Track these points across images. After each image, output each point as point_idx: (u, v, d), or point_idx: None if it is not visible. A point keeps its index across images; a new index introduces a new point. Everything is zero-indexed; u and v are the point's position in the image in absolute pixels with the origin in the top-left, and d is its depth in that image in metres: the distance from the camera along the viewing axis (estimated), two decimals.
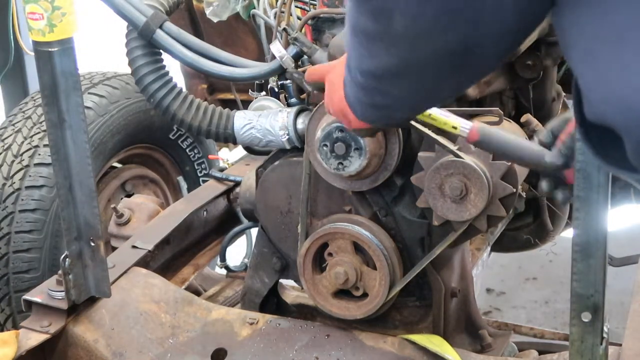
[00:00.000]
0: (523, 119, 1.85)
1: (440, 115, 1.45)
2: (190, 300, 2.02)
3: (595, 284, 1.44)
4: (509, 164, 1.62)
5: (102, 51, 5.01)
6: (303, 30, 1.88)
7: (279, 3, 1.99)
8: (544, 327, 2.69)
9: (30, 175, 2.62)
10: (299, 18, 1.99)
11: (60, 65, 1.78)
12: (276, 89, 2.02)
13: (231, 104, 2.66)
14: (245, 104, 2.27)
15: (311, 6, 2.02)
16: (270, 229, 1.95)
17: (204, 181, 3.02)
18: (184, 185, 3.17)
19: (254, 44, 2.86)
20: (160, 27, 1.95)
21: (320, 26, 1.85)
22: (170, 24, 1.98)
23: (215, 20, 2.47)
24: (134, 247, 2.25)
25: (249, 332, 1.90)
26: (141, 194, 2.92)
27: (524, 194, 1.75)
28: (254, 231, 2.10)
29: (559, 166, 1.33)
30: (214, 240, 2.63)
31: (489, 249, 2.36)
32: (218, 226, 2.63)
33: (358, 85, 1.08)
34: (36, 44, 1.77)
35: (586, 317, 1.46)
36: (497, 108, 1.77)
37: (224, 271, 2.54)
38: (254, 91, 2.14)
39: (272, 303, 2.07)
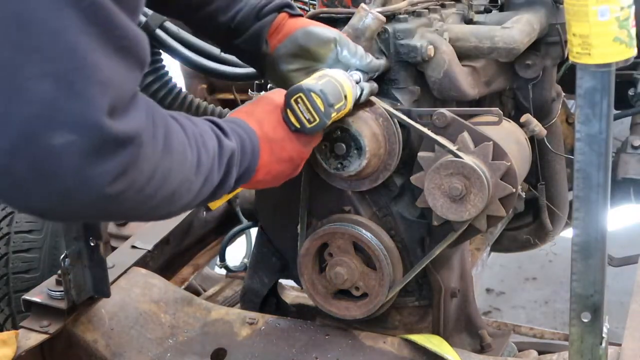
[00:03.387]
0: (523, 119, 1.85)
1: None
2: (189, 300, 2.02)
3: (595, 284, 1.44)
4: (509, 163, 1.62)
5: None
6: None
7: None
8: (544, 327, 2.69)
9: None
10: None
11: None
12: None
13: (231, 104, 2.66)
14: None
15: (311, 6, 2.02)
16: (270, 229, 1.95)
17: None
18: None
19: None
20: (160, 26, 1.95)
21: None
22: (170, 24, 1.98)
23: None
24: (133, 247, 2.25)
25: (248, 332, 1.90)
26: None
27: (523, 194, 1.74)
28: (254, 231, 2.10)
29: None
30: (214, 240, 2.63)
31: (488, 249, 2.35)
32: (218, 226, 2.63)
33: None
34: None
35: (586, 317, 1.46)
36: (497, 108, 1.77)
37: (223, 271, 2.54)
38: (253, 91, 2.14)
39: (271, 303, 2.07)
